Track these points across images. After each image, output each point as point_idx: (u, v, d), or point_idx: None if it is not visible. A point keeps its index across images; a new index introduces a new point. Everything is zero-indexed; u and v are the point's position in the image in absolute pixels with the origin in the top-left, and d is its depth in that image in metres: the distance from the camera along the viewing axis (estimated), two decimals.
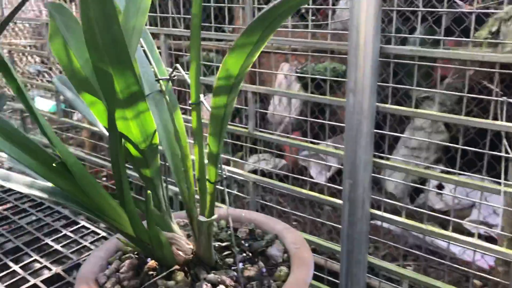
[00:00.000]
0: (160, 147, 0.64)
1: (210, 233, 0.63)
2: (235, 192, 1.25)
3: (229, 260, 0.68)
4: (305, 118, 1.07)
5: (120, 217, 0.60)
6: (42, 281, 1.02)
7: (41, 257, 1.12)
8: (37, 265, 1.10)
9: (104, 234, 1.22)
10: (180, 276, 0.64)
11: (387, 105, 0.92)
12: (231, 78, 0.47)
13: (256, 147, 1.16)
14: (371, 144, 0.95)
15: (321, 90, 1.13)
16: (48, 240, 1.19)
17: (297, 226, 1.75)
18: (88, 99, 0.57)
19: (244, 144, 1.19)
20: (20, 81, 0.50)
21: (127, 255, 0.70)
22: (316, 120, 1.06)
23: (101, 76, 0.48)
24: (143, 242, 0.62)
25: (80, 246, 1.17)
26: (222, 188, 1.05)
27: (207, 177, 0.59)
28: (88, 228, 1.24)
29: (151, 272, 0.66)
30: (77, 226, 1.26)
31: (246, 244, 0.72)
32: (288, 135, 1.11)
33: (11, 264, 1.10)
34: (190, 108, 0.58)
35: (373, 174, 0.97)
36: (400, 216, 0.96)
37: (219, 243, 0.71)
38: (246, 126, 1.13)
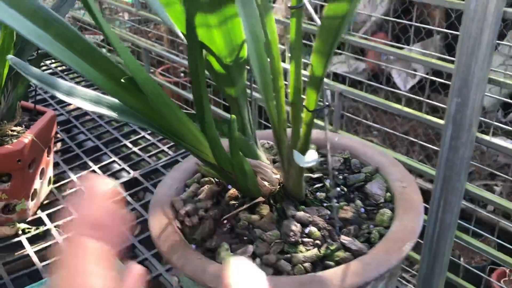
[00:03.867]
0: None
1: (303, 168, 0.53)
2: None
3: (321, 195, 0.59)
4: (391, 19, 0.89)
5: (200, 143, 0.51)
6: (120, 184, 1.01)
7: (120, 159, 1.10)
8: (116, 167, 1.08)
9: None
10: (265, 210, 0.56)
11: None
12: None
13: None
14: (489, 59, 0.77)
15: None
16: (127, 142, 1.17)
17: (377, 139, 1.61)
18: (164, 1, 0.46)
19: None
20: None
21: (206, 179, 0.63)
22: (404, 21, 0.88)
23: None
24: (225, 171, 0.54)
25: (158, 150, 1.13)
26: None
27: (304, 103, 0.48)
28: None
29: (232, 202, 0.58)
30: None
31: (340, 177, 0.62)
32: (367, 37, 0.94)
33: (90, 163, 1.09)
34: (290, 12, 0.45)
35: None
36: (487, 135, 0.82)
37: (309, 173, 0.61)
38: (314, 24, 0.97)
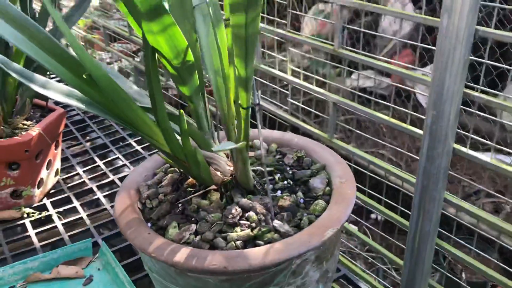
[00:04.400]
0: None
1: (245, 158, 0.61)
2: (314, 111, 1.20)
3: (270, 187, 0.66)
4: (413, 43, 0.95)
5: (156, 134, 0.59)
6: (119, 179, 1.10)
7: (123, 156, 1.20)
8: (119, 163, 1.18)
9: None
10: (215, 196, 0.63)
11: (488, 29, 0.78)
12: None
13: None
14: (463, 73, 0.82)
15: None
16: (132, 141, 1.27)
17: (377, 156, 1.66)
18: (122, 8, 0.55)
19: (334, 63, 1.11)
20: None
21: (172, 169, 0.71)
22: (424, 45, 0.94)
23: None
24: (179, 159, 0.62)
25: None
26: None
27: (239, 101, 0.55)
28: None
29: (189, 189, 0.66)
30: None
31: (290, 172, 0.69)
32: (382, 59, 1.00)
33: (96, 159, 1.19)
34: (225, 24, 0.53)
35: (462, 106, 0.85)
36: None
37: (260, 167, 0.68)
38: (331, 43, 1.04)
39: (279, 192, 0.64)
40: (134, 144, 1.25)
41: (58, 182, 1.10)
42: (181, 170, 0.69)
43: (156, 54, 0.55)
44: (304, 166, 0.70)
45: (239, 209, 0.60)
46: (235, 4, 0.43)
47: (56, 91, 0.57)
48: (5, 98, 0.94)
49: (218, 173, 0.65)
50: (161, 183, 0.68)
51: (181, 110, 0.57)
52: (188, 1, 0.62)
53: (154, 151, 1.21)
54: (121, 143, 1.26)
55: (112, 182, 1.09)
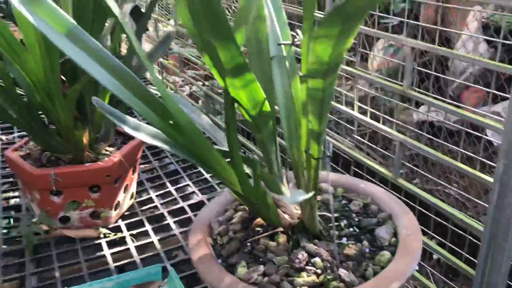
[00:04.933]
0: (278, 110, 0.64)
1: (313, 205, 0.63)
2: (380, 149, 1.20)
3: (335, 233, 0.67)
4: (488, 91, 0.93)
5: (230, 176, 0.63)
6: (188, 205, 1.16)
7: (193, 183, 1.26)
8: (189, 190, 1.24)
9: None
10: (282, 238, 0.66)
11: None
12: (323, 64, 0.43)
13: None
14: None
15: None
16: (201, 169, 1.32)
17: (442, 194, 1.61)
18: (207, 61, 0.60)
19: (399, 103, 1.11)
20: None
21: (242, 207, 0.74)
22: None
23: (206, 46, 0.49)
24: (250, 201, 0.65)
25: None
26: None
27: (310, 151, 0.58)
28: None
29: (258, 229, 0.69)
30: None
31: (356, 219, 0.70)
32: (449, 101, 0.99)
33: (168, 184, 1.26)
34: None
35: None
36: None
37: (328, 213, 0.70)
38: (400, 83, 1.05)
39: (344, 239, 0.66)
40: (203, 172, 1.31)
41: (132, 205, 1.17)
42: (251, 210, 0.72)
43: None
44: (370, 214, 0.71)
45: (305, 254, 0.62)
46: (313, 71, 0.46)
47: (145, 132, 0.62)
48: (92, 126, 1.03)
49: (286, 216, 0.67)
50: (232, 220, 0.72)
51: (255, 157, 0.60)
52: (266, 52, 0.66)
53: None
54: (191, 170, 1.32)
55: (182, 208, 1.15)
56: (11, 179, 1.31)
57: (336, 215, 0.70)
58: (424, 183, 1.87)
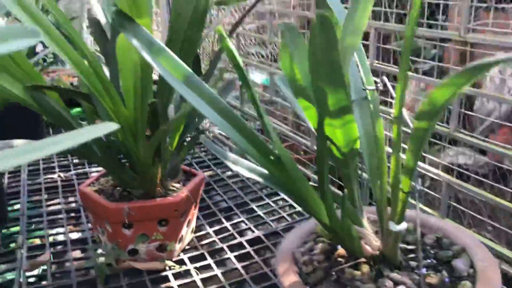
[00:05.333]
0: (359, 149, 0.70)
1: (398, 237, 0.68)
2: (425, 189, 1.24)
3: (413, 264, 0.72)
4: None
5: (319, 207, 0.69)
6: (246, 241, 1.21)
7: (247, 219, 1.31)
8: (243, 226, 1.29)
9: (299, 209, 1.35)
10: (365, 268, 0.71)
11: None
12: (435, 107, 0.50)
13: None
14: None
15: None
16: (253, 205, 1.38)
17: (491, 233, 1.63)
18: (303, 103, 0.67)
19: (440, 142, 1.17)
20: (241, 61, 0.61)
21: (320, 239, 0.80)
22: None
23: (318, 91, 0.56)
24: (336, 231, 0.71)
25: (279, 216, 1.32)
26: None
27: (400, 186, 0.64)
28: (287, 201, 1.40)
29: (339, 259, 0.74)
30: (277, 198, 1.42)
31: (432, 251, 0.75)
32: (486, 140, 1.05)
33: (223, 220, 1.32)
34: (392, 118, 0.63)
35: None
36: None
37: (405, 245, 0.75)
38: (447, 126, 1.11)
39: (423, 269, 0.71)
40: (256, 209, 1.36)
41: (192, 239, 1.23)
42: (330, 241, 0.78)
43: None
44: (444, 247, 0.76)
45: (391, 283, 0.67)
46: (423, 113, 0.52)
47: (243, 166, 0.69)
48: (164, 164, 1.10)
49: (368, 247, 0.72)
50: (313, 251, 0.77)
51: (346, 192, 0.66)
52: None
53: (277, 216, 1.32)
54: (243, 207, 1.38)
55: (240, 244, 1.20)
56: (72, 214, 1.38)
57: (412, 247, 0.75)
58: (471, 224, 1.90)
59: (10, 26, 0.39)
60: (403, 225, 0.59)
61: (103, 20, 1.05)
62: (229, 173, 1.61)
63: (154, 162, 1.05)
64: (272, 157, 0.65)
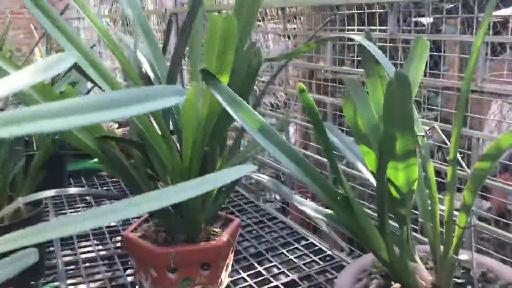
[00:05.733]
0: None
1: (454, 269, 0.74)
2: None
3: None
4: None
5: (380, 245, 0.75)
6: (282, 284, 1.25)
7: (279, 263, 1.36)
8: (276, 270, 1.33)
9: (329, 252, 1.40)
10: None
11: None
12: (500, 151, 0.58)
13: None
14: None
15: None
16: (284, 250, 1.43)
17: None
18: (364, 149, 0.75)
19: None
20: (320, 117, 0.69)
21: (373, 276, 0.85)
22: None
23: (388, 137, 0.64)
24: (394, 267, 0.76)
25: (310, 259, 1.37)
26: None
27: (457, 222, 0.71)
28: (316, 245, 1.45)
29: None
30: (306, 242, 1.48)
31: (480, 285, 0.80)
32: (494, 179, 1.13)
33: (256, 265, 1.36)
34: (449, 161, 0.70)
35: None
36: None
37: (455, 279, 0.81)
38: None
39: None
40: (287, 253, 1.41)
41: (228, 284, 1.26)
42: (383, 277, 0.83)
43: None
44: (491, 281, 0.82)
45: None
46: (487, 156, 0.60)
47: (308, 207, 0.76)
48: (204, 212, 1.16)
49: (422, 281, 0.78)
50: (370, 287, 0.82)
51: (405, 228, 0.73)
52: None
53: (308, 260, 1.36)
54: (274, 251, 1.43)
55: (277, 287, 1.24)
56: (106, 261, 1.41)
57: (462, 280, 0.81)
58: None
59: (156, 87, 0.47)
60: (465, 256, 0.65)
61: (151, 75, 1.14)
62: (254, 219, 1.67)
63: (201, 208, 1.10)
64: (339, 198, 0.72)
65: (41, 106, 0.38)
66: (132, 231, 1.20)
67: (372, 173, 0.78)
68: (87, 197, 1.87)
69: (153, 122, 0.95)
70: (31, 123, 0.38)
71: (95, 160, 2.13)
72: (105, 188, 2.00)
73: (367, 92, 0.74)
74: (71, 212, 1.76)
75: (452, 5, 1.42)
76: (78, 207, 1.80)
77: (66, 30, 0.83)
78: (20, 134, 0.38)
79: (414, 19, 1.55)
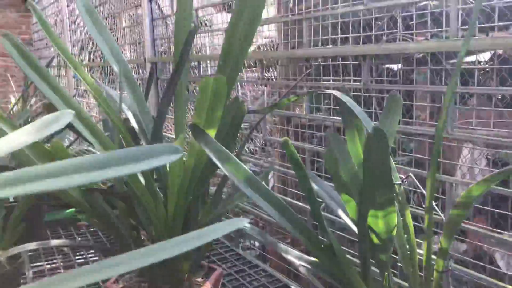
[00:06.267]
0: None
1: None
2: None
3: None
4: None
5: None
6: None
7: None
8: None
9: None
10: None
11: None
12: (471, 199, 0.62)
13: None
14: None
15: None
16: None
17: None
18: (345, 197, 0.78)
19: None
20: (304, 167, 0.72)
21: None
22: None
23: (368, 188, 0.67)
24: None
25: None
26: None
27: (435, 267, 0.74)
28: None
29: None
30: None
31: None
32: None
33: None
34: (424, 209, 0.74)
35: None
36: None
37: None
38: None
39: None
40: None
41: None
42: None
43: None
44: None
45: None
46: (459, 203, 0.64)
47: (292, 255, 0.78)
48: (188, 261, 1.16)
49: None
50: None
51: (386, 273, 0.75)
52: None
53: None
54: None
55: None
56: None
57: None
58: None
59: (155, 145, 0.50)
60: None
61: (135, 126, 1.17)
62: (235, 268, 1.66)
63: (184, 258, 1.11)
64: (323, 246, 0.74)
65: (47, 165, 0.40)
66: (114, 283, 1.19)
67: (353, 220, 0.81)
68: (65, 248, 1.84)
69: (138, 173, 0.97)
70: (36, 182, 0.40)
71: (72, 210, 2.10)
72: (83, 237, 1.97)
73: (346, 141, 0.79)
74: (47, 264, 1.72)
75: (420, 55, 1.50)
76: (55, 259, 1.76)
77: (57, 87, 0.86)
78: (25, 193, 0.40)
79: (386, 66, 1.63)
